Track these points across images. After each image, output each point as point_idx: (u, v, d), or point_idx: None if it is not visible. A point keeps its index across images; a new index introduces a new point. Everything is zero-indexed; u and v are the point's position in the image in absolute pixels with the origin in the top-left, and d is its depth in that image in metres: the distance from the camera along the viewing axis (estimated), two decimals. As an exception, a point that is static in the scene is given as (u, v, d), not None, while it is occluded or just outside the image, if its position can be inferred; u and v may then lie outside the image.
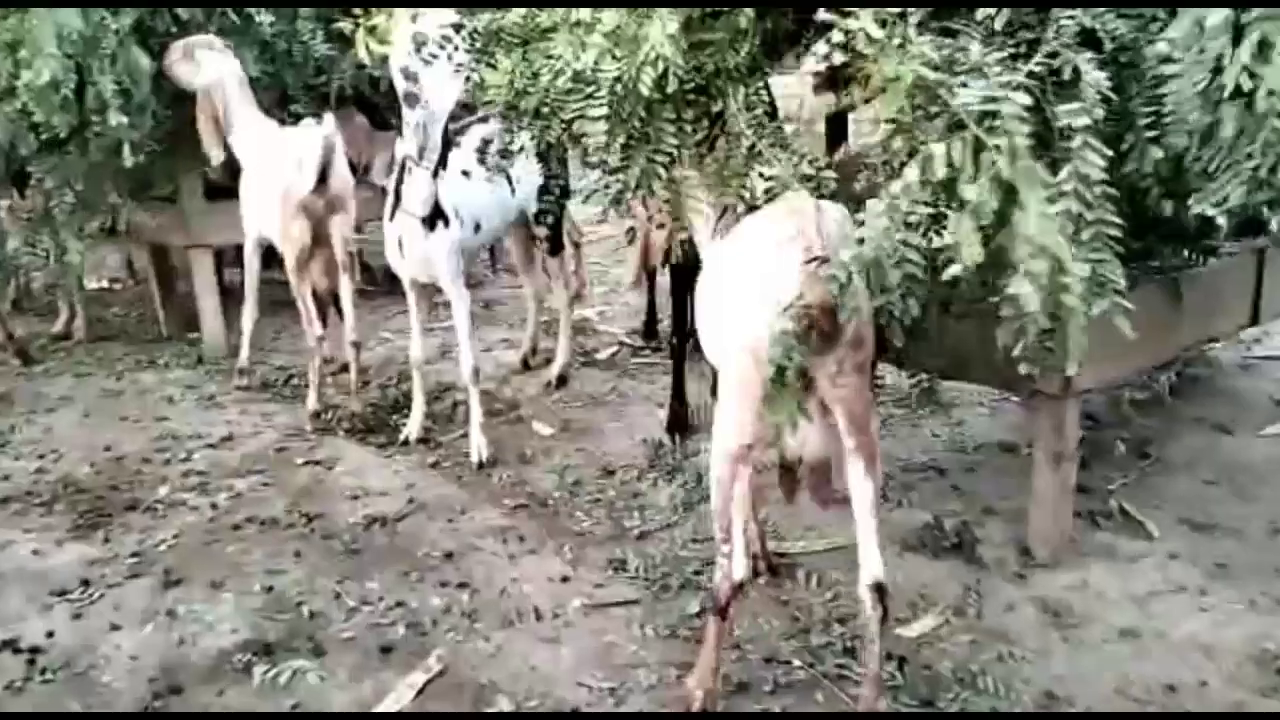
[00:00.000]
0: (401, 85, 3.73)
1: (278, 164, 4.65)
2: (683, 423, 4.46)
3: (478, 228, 4.39)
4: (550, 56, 3.10)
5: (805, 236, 2.36)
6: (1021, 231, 1.89)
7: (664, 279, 5.61)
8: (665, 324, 5.90)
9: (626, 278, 5.76)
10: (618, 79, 2.68)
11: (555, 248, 5.03)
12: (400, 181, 4.05)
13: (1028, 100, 2.05)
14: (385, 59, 4.74)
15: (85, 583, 3.40)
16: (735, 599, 2.70)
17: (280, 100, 5.91)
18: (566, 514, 3.87)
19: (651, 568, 3.42)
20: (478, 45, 3.40)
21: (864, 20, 2.03)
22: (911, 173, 1.95)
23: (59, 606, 3.28)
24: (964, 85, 1.96)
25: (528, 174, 4.72)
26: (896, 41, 2.03)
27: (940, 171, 1.91)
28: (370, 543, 3.66)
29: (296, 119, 5.58)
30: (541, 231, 4.96)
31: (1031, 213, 1.87)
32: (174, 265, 6.40)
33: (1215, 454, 4.16)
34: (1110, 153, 2.05)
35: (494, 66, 3.43)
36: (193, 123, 5.22)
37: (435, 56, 3.43)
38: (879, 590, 2.56)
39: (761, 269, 2.45)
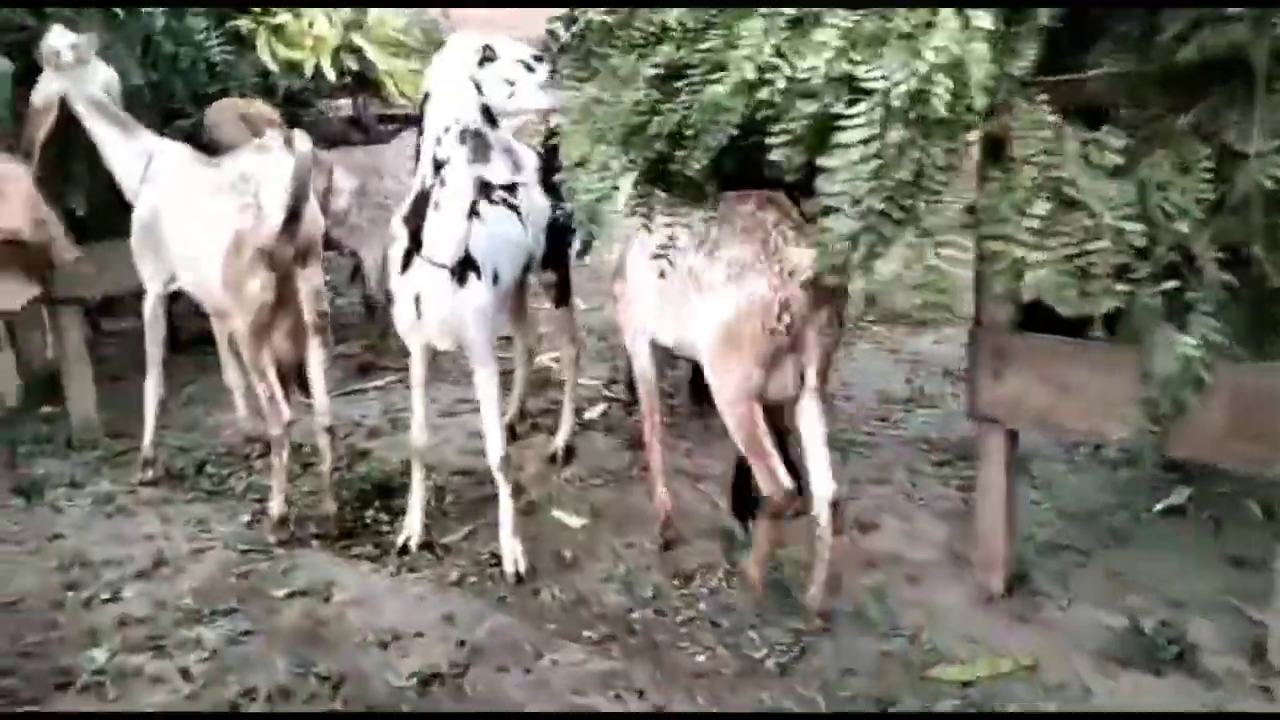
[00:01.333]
0: (471, 99, 2.80)
1: (211, 198, 3.58)
2: (751, 503, 3.69)
3: (496, 278, 3.48)
4: (714, 63, 2.33)
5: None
6: None
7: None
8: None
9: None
10: (887, 92, 1.93)
11: (563, 297, 4.15)
12: (419, 221, 3.11)
13: None
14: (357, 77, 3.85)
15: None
16: (789, 503, 3.04)
17: (165, 113, 4.79)
18: (668, 644, 3.04)
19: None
20: (581, 49, 2.60)
21: None
22: None
23: None
24: None
25: (536, 211, 3.86)
26: None
27: None
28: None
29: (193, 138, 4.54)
30: (548, 278, 4.08)
31: None
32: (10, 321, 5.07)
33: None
34: None
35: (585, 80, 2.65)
36: (60, 148, 4.10)
37: (535, 65, 2.60)
38: (834, 506, 3.01)
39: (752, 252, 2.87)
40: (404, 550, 3.54)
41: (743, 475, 3.71)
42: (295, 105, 5.75)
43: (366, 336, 5.81)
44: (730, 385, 2.98)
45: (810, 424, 3.02)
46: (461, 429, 4.60)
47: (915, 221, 2.02)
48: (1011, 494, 3.17)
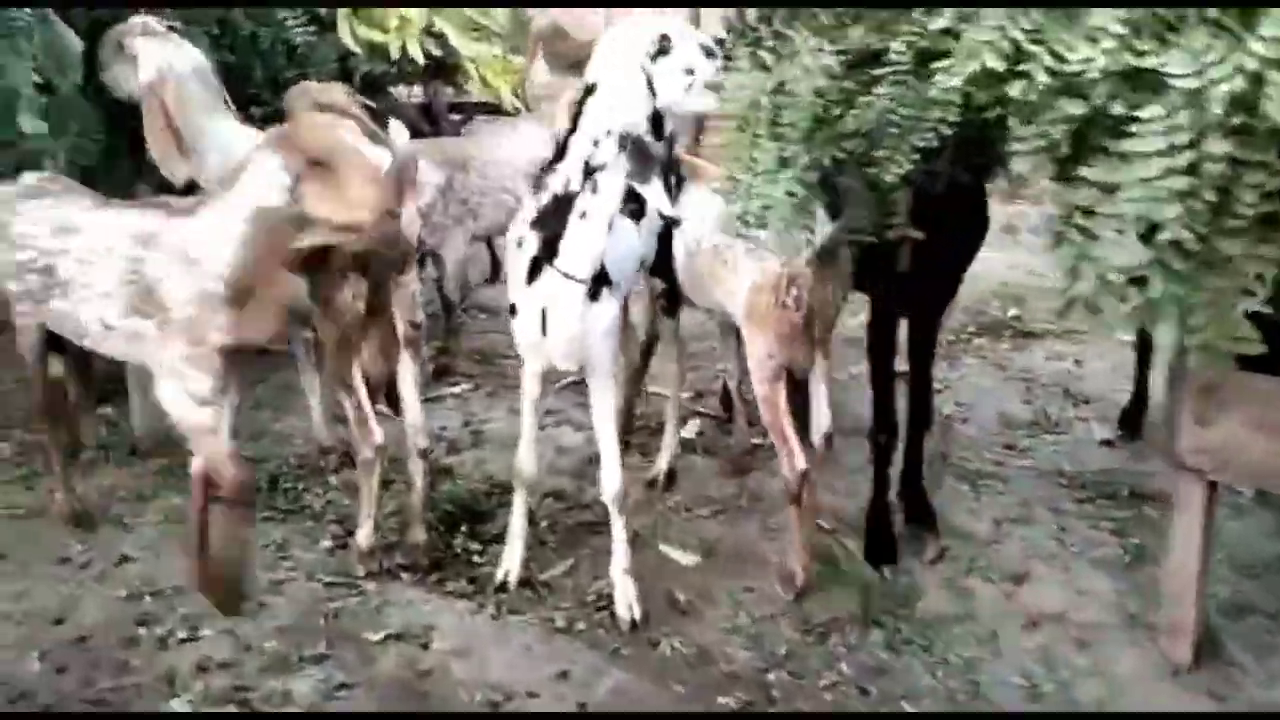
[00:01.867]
0: (641, 97, 2.47)
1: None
2: (890, 548, 3.34)
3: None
4: (919, 50, 1.97)
5: None
6: None
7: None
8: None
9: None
10: (1200, 91, 1.54)
11: (673, 306, 3.78)
12: (559, 228, 2.76)
13: None
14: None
15: None
16: (805, 485, 3.06)
17: (240, 100, 4.45)
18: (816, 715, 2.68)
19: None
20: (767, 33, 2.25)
21: None
22: None
23: None
24: None
25: (649, 215, 3.49)
26: None
27: None
28: (563, 798, 2.37)
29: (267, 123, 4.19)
30: (656, 284, 3.72)
31: None
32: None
33: None
34: None
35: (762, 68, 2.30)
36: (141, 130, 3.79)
37: (717, 50, 2.27)
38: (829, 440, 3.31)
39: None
40: (502, 588, 3.21)
41: (880, 515, 3.36)
42: (371, 91, 5.40)
43: (435, 337, 5.49)
44: (756, 364, 3.07)
45: (816, 384, 3.25)
46: (549, 444, 4.26)
47: (1213, 255, 1.63)
48: (1208, 554, 2.79)
